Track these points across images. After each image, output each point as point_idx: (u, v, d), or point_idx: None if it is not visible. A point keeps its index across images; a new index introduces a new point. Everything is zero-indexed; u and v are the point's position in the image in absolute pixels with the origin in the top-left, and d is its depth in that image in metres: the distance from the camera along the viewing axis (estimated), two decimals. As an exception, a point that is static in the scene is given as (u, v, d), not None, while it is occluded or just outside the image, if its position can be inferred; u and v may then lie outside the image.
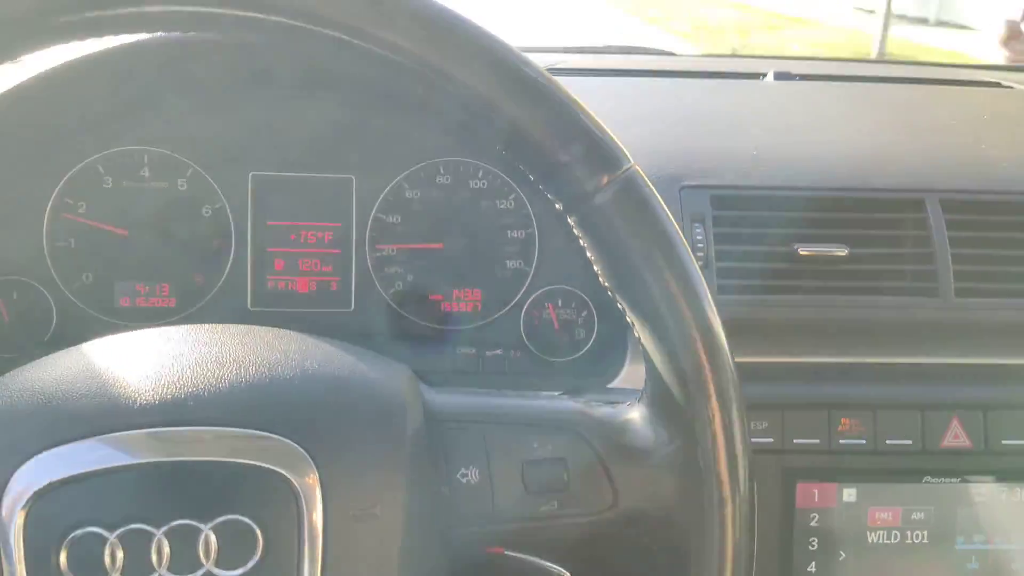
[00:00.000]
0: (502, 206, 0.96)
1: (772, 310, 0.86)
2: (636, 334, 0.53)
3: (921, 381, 0.86)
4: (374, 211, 0.95)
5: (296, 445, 0.47)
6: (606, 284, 0.53)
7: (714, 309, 0.51)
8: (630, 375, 0.86)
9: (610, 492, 0.53)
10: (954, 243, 0.87)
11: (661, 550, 0.55)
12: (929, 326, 0.86)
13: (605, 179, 0.50)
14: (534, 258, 0.96)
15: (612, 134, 0.50)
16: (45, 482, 0.45)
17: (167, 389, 0.48)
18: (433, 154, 0.95)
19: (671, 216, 0.51)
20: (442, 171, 0.96)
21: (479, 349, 0.91)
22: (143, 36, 0.80)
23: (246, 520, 0.46)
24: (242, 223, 0.93)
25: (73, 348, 0.52)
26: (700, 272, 0.51)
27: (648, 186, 0.51)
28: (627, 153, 0.51)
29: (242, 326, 0.54)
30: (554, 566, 0.65)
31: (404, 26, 0.47)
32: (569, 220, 0.52)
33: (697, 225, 0.86)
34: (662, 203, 0.51)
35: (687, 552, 0.52)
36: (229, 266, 0.93)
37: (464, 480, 0.53)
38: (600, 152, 0.50)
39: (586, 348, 0.94)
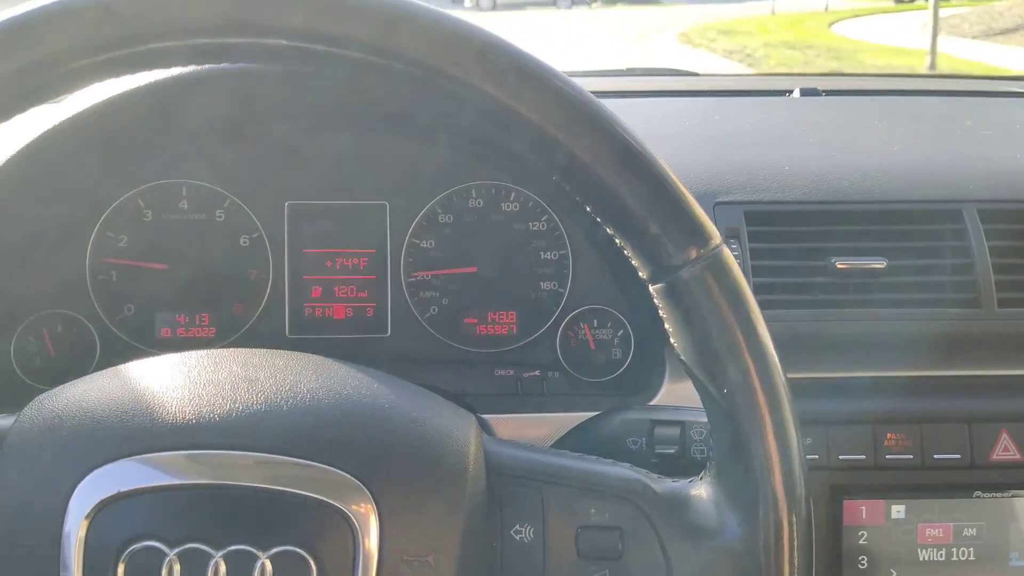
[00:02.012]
0: (535, 228, 0.97)
1: (811, 325, 0.85)
2: (706, 410, 0.52)
3: (967, 393, 0.84)
4: (408, 236, 0.96)
5: (359, 483, 0.47)
6: (682, 359, 0.52)
7: (789, 398, 0.50)
8: (669, 394, 0.85)
9: (664, 569, 0.52)
10: (994, 253, 0.86)
11: None
12: (972, 338, 0.85)
13: (694, 253, 0.49)
14: (568, 279, 0.96)
15: (703, 211, 0.50)
16: (113, 491, 0.45)
17: (241, 412, 0.48)
18: (465, 178, 0.96)
19: (755, 299, 0.51)
20: (474, 195, 0.97)
21: (517, 371, 0.91)
22: (185, 70, 0.82)
23: (303, 553, 0.46)
24: (279, 252, 0.94)
25: (154, 359, 0.53)
26: (778, 360, 0.50)
27: (736, 267, 0.50)
28: (716, 230, 0.51)
29: (316, 356, 0.55)
30: None
31: (513, 88, 0.47)
32: (651, 289, 0.52)
33: (732, 241, 0.85)
34: (747, 286, 0.51)
35: None
36: (267, 295, 0.94)
37: (518, 537, 0.52)
38: (691, 226, 0.49)
39: (623, 368, 0.93)
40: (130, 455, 0.46)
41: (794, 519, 0.50)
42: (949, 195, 0.89)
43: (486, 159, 0.96)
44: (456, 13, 0.49)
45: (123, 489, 0.45)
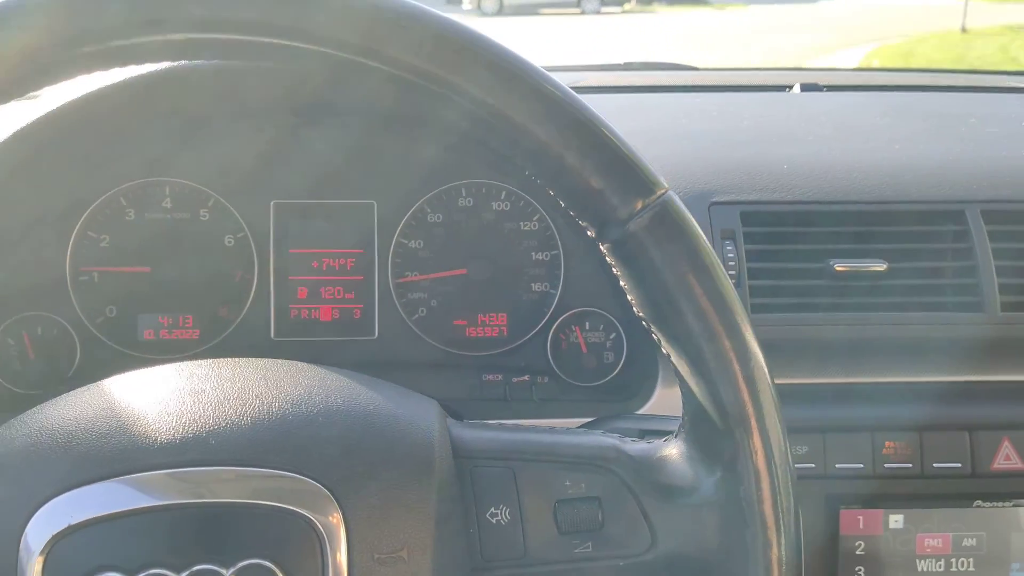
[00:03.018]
0: (526, 228, 0.95)
1: (808, 329, 0.83)
2: (673, 366, 0.51)
3: (968, 401, 0.82)
4: (396, 236, 0.93)
5: (320, 486, 0.45)
6: (641, 314, 0.50)
7: (755, 341, 0.48)
8: (662, 399, 0.83)
9: (647, 533, 0.51)
10: (998, 255, 0.83)
11: None
12: (975, 343, 0.83)
13: (639, 204, 0.47)
14: (560, 280, 0.94)
15: (645, 158, 0.48)
16: (64, 525, 0.44)
17: (188, 428, 0.46)
18: (455, 177, 0.94)
19: (708, 243, 0.49)
20: (464, 194, 0.94)
21: (505, 375, 0.89)
22: (166, 67, 0.80)
23: (268, 564, 0.44)
24: (264, 252, 0.92)
25: (92, 385, 0.51)
26: (740, 302, 0.49)
27: (684, 211, 0.48)
28: (661, 178, 0.48)
29: (264, 360, 0.53)
30: None
31: (433, 53, 0.45)
32: (601, 248, 0.50)
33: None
34: (699, 229, 0.49)
35: None
36: (252, 296, 0.92)
37: (494, 520, 0.50)
38: (634, 177, 0.48)
39: (615, 372, 0.91)
40: (79, 485, 0.44)
41: (774, 465, 0.48)
42: (952, 195, 0.86)
43: (475, 156, 0.93)
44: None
45: (74, 522, 0.44)
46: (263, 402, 0.48)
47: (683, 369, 0.50)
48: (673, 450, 0.52)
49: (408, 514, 0.47)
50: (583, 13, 17.52)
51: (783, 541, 0.48)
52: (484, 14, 16.61)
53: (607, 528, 0.50)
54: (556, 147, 0.47)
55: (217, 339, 0.92)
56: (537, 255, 0.94)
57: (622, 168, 0.48)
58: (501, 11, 17.35)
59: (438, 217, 0.94)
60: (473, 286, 0.94)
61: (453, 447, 0.51)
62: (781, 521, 0.48)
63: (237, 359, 0.53)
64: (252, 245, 0.92)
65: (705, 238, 0.49)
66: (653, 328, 0.50)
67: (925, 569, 0.82)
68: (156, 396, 0.48)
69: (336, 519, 0.45)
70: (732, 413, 0.48)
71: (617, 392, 0.89)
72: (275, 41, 0.45)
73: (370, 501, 0.46)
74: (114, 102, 0.82)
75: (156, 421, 0.46)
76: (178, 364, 0.53)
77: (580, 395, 0.91)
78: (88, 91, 0.81)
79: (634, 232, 0.48)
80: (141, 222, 0.91)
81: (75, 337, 0.89)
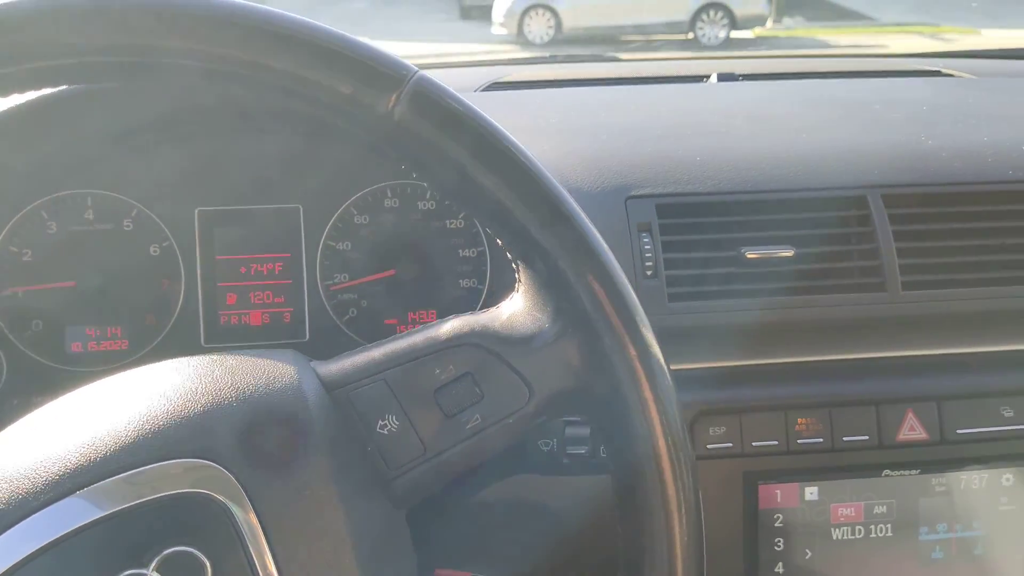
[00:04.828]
0: (452, 226, 0.96)
1: (723, 315, 0.86)
2: (490, 231, 0.53)
3: (874, 376, 0.87)
4: (323, 239, 0.95)
5: (199, 460, 0.47)
6: (441, 195, 0.53)
7: (548, 175, 0.51)
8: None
9: (523, 385, 0.53)
10: (898, 237, 0.88)
11: (594, 424, 0.55)
12: (879, 321, 0.87)
13: (394, 96, 0.49)
14: (487, 275, 0.96)
15: (384, 50, 0.50)
16: None
17: (62, 459, 0.47)
18: (380, 178, 0.95)
19: (470, 105, 0.51)
20: (390, 195, 0.96)
21: None
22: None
23: (185, 549, 0.46)
24: (191, 259, 0.92)
25: None
26: (515, 142, 0.51)
27: (441, 87, 0.50)
28: (407, 63, 0.50)
29: (125, 372, 0.54)
30: None
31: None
32: (387, 152, 0.52)
33: (644, 235, 0.86)
34: (462, 99, 0.51)
35: (615, 418, 0.52)
36: (180, 304, 0.92)
37: (385, 431, 0.52)
38: (377, 71, 0.49)
39: None
40: None
41: (598, 262, 0.51)
42: (854, 181, 0.90)
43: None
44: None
45: None
46: (126, 409, 0.49)
47: (494, 228, 0.53)
48: (517, 305, 0.56)
49: (298, 456, 0.49)
50: (695, 39, 11.35)
51: (640, 342, 0.51)
52: (530, 43, 11.14)
53: (487, 396, 0.53)
54: (297, 70, 0.49)
55: (147, 348, 0.92)
56: (464, 252, 0.96)
57: (362, 66, 0.49)
58: (556, 38, 11.32)
59: (365, 219, 0.96)
60: (402, 285, 0.96)
61: (323, 382, 0.53)
62: (631, 324, 0.51)
63: (93, 383, 0.54)
64: (178, 253, 0.92)
65: (466, 102, 0.51)
66: (457, 203, 0.53)
67: (840, 537, 0.86)
68: (37, 435, 0.50)
69: (230, 483, 0.47)
70: (550, 248, 0.51)
71: None
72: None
73: (255, 456, 0.48)
74: (31, 116, 0.82)
75: (23, 460, 0.47)
76: (60, 399, 0.54)
77: None
78: (7, 107, 0.80)
79: (400, 121, 0.50)
80: (63, 235, 0.91)
81: (0, 352, 0.88)
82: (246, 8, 0.48)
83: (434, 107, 0.50)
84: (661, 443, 0.51)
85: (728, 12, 11.33)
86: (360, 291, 0.95)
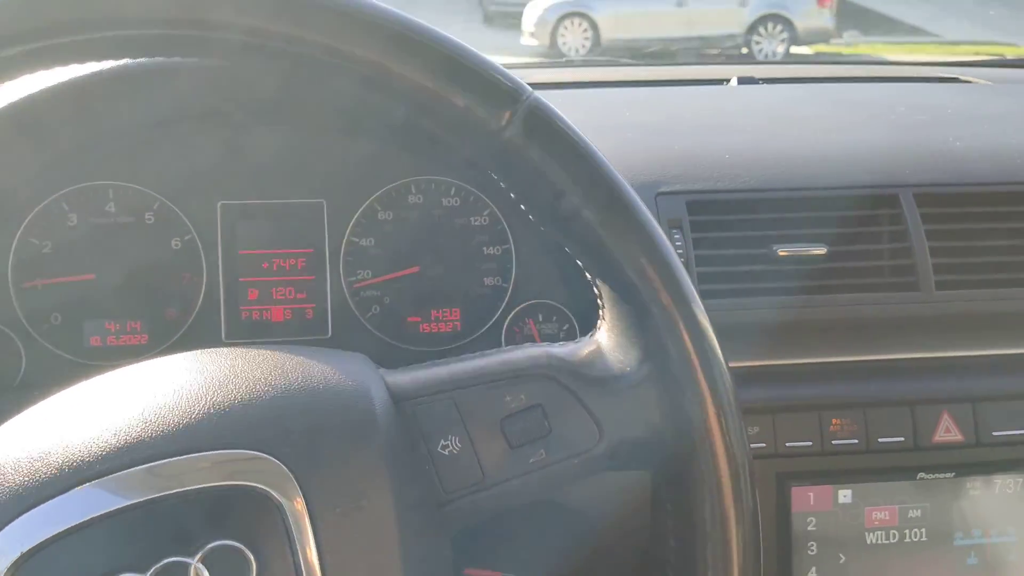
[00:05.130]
0: (476, 223, 0.95)
1: (754, 313, 0.85)
2: (580, 263, 0.52)
3: (909, 377, 0.85)
4: (347, 235, 0.93)
5: (264, 455, 0.45)
6: (538, 221, 0.52)
7: (651, 217, 0.50)
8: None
9: (594, 427, 0.52)
10: (931, 236, 0.87)
11: (659, 477, 0.54)
12: (912, 321, 0.86)
13: (508, 114, 0.48)
14: (512, 274, 0.95)
15: (504, 69, 0.49)
16: (16, 554, 0.43)
17: (123, 431, 0.46)
18: (404, 174, 0.94)
19: (581, 133, 0.50)
20: (414, 191, 0.95)
21: None
22: (102, 68, 0.79)
23: (232, 543, 0.44)
24: (212, 254, 0.91)
25: (24, 415, 0.50)
26: (623, 181, 0.50)
27: (551, 109, 0.49)
28: (524, 84, 0.49)
29: (188, 353, 0.52)
30: None
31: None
32: (489, 170, 0.51)
33: (675, 231, 0.85)
34: (569, 122, 0.50)
35: (683, 470, 0.51)
36: (201, 299, 0.91)
37: (446, 452, 0.51)
38: (495, 88, 0.48)
39: None
40: (28, 509, 0.43)
41: (692, 320, 0.50)
42: (885, 180, 0.90)
43: (423, 152, 0.94)
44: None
45: (29, 546, 0.43)
46: (190, 391, 0.48)
47: (589, 262, 0.51)
48: (599, 343, 0.54)
49: (360, 465, 0.47)
50: (750, 53, 10.10)
51: (723, 405, 0.49)
52: (564, 56, 9.14)
53: (555, 432, 0.52)
54: (415, 77, 0.48)
55: (167, 343, 0.90)
56: (488, 249, 0.95)
57: (481, 82, 0.49)
58: (592, 51, 10.09)
59: (388, 215, 0.94)
60: (426, 282, 0.94)
61: (391, 392, 0.51)
62: (717, 387, 0.50)
63: (162, 358, 0.53)
64: (200, 247, 0.91)
65: (577, 130, 0.50)
66: (551, 230, 0.52)
67: (874, 541, 0.85)
68: (92, 406, 0.48)
69: (290, 484, 0.45)
70: (643, 291, 0.50)
71: None
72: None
73: (319, 460, 0.46)
74: (58, 106, 0.81)
75: (94, 431, 0.46)
76: (104, 375, 0.52)
77: None
78: (26, 94, 0.79)
79: (510, 139, 0.49)
80: (84, 227, 0.89)
81: (20, 345, 0.87)
82: (381, 10, 0.47)
83: (546, 131, 0.49)
84: (731, 515, 0.50)
85: (789, 25, 10.13)
86: (383, 288, 0.94)
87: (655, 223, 0.50)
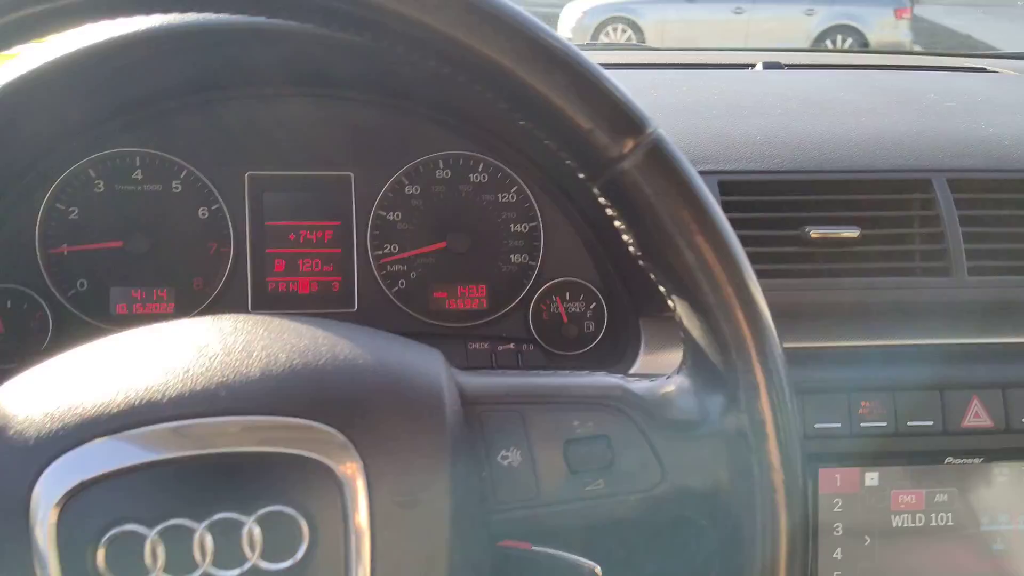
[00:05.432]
0: (504, 199, 0.95)
1: (785, 294, 0.84)
2: (671, 303, 0.51)
3: (939, 361, 0.85)
4: (374, 208, 0.93)
5: (336, 432, 0.45)
6: (637, 253, 0.51)
7: (752, 273, 0.49)
8: (645, 365, 0.84)
9: (657, 468, 0.51)
10: (964, 222, 0.86)
11: (713, 527, 0.53)
12: (944, 306, 0.86)
13: (630, 144, 0.48)
14: (540, 252, 0.94)
15: (633, 98, 0.49)
16: (76, 482, 0.42)
17: (196, 380, 0.45)
18: (432, 148, 0.94)
19: (700, 178, 0.49)
20: (441, 166, 0.94)
21: (491, 343, 0.89)
22: (132, 32, 0.78)
23: (290, 511, 0.44)
24: (240, 224, 0.91)
25: (91, 344, 0.49)
26: (734, 235, 0.50)
27: (674, 148, 0.49)
28: (649, 117, 0.49)
29: (264, 316, 0.52)
30: (585, 560, 0.64)
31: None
32: (594, 189, 0.50)
33: None
34: (690, 165, 0.49)
35: (740, 526, 0.50)
36: (228, 269, 0.90)
37: (505, 463, 0.50)
38: (623, 116, 0.48)
39: (597, 340, 0.92)
40: (87, 441, 0.43)
41: (774, 388, 0.49)
42: (919, 164, 0.89)
43: (452, 127, 0.93)
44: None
45: (88, 476, 0.43)
46: (269, 353, 0.47)
47: (681, 306, 0.51)
48: (676, 386, 0.53)
49: (423, 459, 0.47)
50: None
51: (787, 467, 0.49)
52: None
53: (617, 465, 0.51)
54: (544, 89, 0.47)
55: (193, 313, 0.90)
56: (516, 227, 0.95)
57: (611, 108, 0.48)
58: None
59: (416, 189, 0.94)
60: (452, 258, 0.94)
61: (460, 394, 0.51)
62: (787, 450, 0.49)
63: (236, 315, 0.52)
64: (227, 217, 0.90)
65: (695, 172, 0.49)
66: (649, 266, 0.51)
67: (900, 525, 0.84)
68: (159, 351, 0.48)
69: (354, 465, 0.45)
70: (732, 345, 0.49)
71: (601, 359, 0.90)
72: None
73: (386, 447, 0.46)
74: (87, 72, 0.80)
75: (162, 375, 0.46)
76: (175, 321, 0.52)
77: (565, 363, 0.91)
78: (53, 58, 0.78)
79: (627, 171, 0.48)
80: (111, 194, 0.89)
81: (47, 310, 0.86)
82: (523, 17, 0.47)
83: (666, 168, 0.48)
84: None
85: (860, 37, 9.18)
86: (410, 263, 0.94)
87: (756, 280, 0.50)
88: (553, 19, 9.23)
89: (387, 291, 0.93)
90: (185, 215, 0.90)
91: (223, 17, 0.76)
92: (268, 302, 0.91)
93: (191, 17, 0.76)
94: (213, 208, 0.90)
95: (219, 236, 0.90)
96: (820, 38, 9.00)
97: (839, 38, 9.02)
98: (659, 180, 0.48)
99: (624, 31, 9.17)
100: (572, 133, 0.48)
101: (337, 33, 0.47)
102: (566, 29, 9.13)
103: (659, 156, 0.48)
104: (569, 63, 0.47)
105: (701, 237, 0.48)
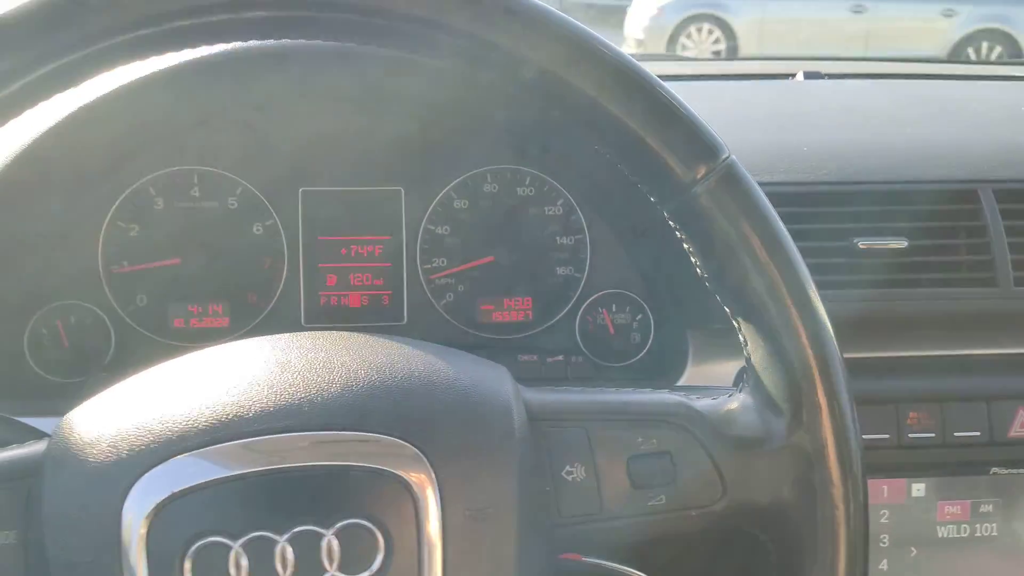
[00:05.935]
0: (550, 212, 0.96)
1: (833, 305, 0.84)
2: (736, 324, 0.53)
3: (986, 372, 0.85)
4: (424, 222, 0.95)
5: (411, 446, 0.47)
6: (704, 275, 0.53)
7: (817, 295, 0.51)
8: (693, 376, 0.85)
9: (719, 484, 0.53)
10: (1010, 232, 0.86)
11: (773, 542, 0.54)
12: (990, 316, 0.86)
13: (703, 170, 0.49)
14: (586, 264, 0.96)
15: (708, 124, 0.50)
16: (167, 493, 0.45)
17: (280, 396, 0.47)
18: (480, 163, 0.95)
19: (770, 204, 0.51)
20: (489, 180, 0.96)
21: (540, 356, 0.91)
22: (192, 56, 0.81)
23: (367, 524, 0.46)
24: (293, 239, 0.93)
25: (175, 361, 0.52)
26: (802, 260, 0.51)
27: (746, 175, 0.50)
28: (724, 144, 0.50)
29: (341, 332, 0.54)
30: (635, 572, 0.65)
31: (503, 26, 0.47)
32: (664, 212, 0.52)
33: None
34: (762, 193, 0.51)
35: (800, 543, 0.51)
36: (282, 283, 0.93)
37: (570, 478, 0.52)
38: (697, 142, 0.49)
39: (643, 352, 0.93)
40: (177, 455, 0.45)
41: (838, 410, 0.51)
42: (965, 175, 0.89)
43: (500, 142, 0.95)
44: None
45: (176, 489, 0.45)
46: (348, 369, 0.49)
47: (747, 328, 0.52)
48: (739, 403, 0.54)
49: (493, 473, 0.49)
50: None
51: (849, 485, 0.50)
52: None
53: (679, 481, 0.52)
54: (620, 115, 0.49)
55: (248, 327, 0.93)
56: (562, 239, 0.96)
57: (686, 135, 0.49)
58: None
59: (464, 203, 0.96)
60: (499, 271, 0.96)
61: (527, 410, 0.52)
62: (848, 467, 0.50)
63: (316, 332, 0.55)
64: (282, 233, 0.93)
65: (768, 202, 0.51)
66: (716, 288, 0.52)
67: (945, 535, 0.85)
68: (242, 367, 0.50)
69: (428, 479, 0.47)
70: (797, 366, 0.50)
71: (648, 370, 0.92)
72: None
73: (458, 461, 0.48)
74: (147, 95, 0.83)
75: (247, 391, 0.48)
76: (257, 339, 0.54)
77: (613, 374, 0.93)
78: (119, 85, 0.81)
79: (699, 197, 0.50)
80: (170, 211, 0.92)
81: (109, 325, 0.89)
82: (602, 44, 0.48)
83: (739, 194, 0.50)
84: None
85: (1012, 44, 7.42)
86: (458, 276, 0.95)
87: (822, 307, 0.52)
88: (620, 12, 8.25)
89: (435, 304, 0.95)
90: (241, 231, 0.93)
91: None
92: (320, 316, 0.94)
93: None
94: (268, 224, 0.93)
95: (273, 251, 0.93)
96: (961, 44, 7.37)
97: (984, 45, 7.43)
98: (731, 206, 0.50)
99: (711, 32, 7.67)
100: (646, 158, 0.50)
101: (445, 62, 0.49)
102: (637, 29, 7.82)
103: (732, 182, 0.50)
104: (647, 89, 0.49)
105: (771, 262, 0.50)
